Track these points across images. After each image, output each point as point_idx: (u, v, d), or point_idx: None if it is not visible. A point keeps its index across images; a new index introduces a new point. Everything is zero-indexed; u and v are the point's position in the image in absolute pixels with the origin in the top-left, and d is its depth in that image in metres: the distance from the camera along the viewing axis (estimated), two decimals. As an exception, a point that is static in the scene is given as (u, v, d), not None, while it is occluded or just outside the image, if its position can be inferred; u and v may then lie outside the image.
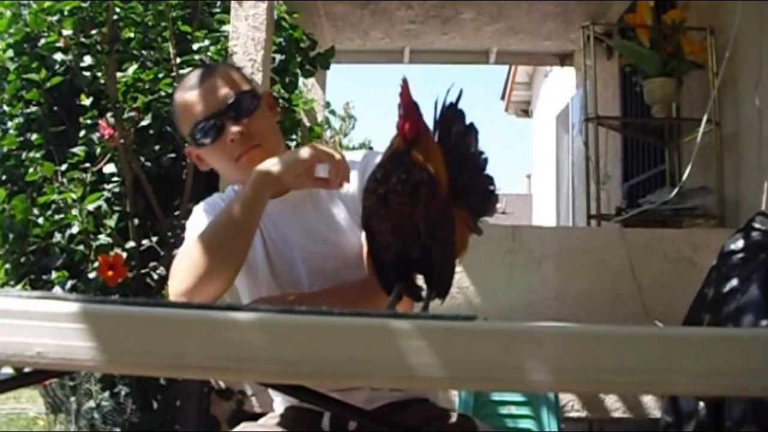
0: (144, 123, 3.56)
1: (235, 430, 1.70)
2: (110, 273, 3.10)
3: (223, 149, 1.70)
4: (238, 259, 1.57)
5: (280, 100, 4.42)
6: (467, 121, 1.38)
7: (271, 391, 1.83)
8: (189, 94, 1.73)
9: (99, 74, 3.66)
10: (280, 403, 1.82)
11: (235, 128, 1.68)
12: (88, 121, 3.61)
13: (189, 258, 1.57)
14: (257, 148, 1.69)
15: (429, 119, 1.32)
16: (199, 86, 1.73)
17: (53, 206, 3.39)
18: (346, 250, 1.71)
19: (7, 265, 3.46)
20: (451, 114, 1.34)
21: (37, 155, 3.60)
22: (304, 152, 1.56)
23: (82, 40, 3.63)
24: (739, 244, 2.94)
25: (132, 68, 3.66)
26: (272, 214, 1.70)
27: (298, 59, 4.33)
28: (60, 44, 3.64)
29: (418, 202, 1.26)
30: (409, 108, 1.27)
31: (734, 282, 2.78)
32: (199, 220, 1.76)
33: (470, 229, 1.41)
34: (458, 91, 1.32)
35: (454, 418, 1.67)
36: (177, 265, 1.61)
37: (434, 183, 1.26)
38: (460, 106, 1.36)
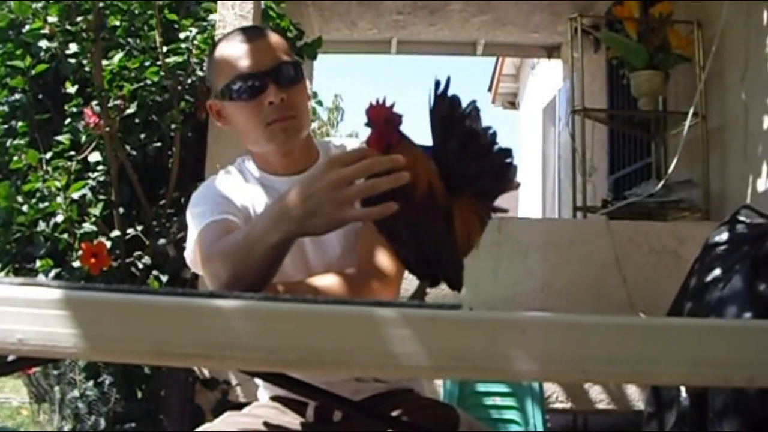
0: (130, 111, 3.54)
1: (219, 418, 1.69)
2: (93, 260, 3.09)
3: (258, 110, 1.67)
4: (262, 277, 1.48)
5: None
6: (468, 102, 1.36)
7: (257, 380, 1.82)
8: (237, 47, 1.70)
9: (84, 62, 3.63)
10: (264, 392, 1.82)
11: (277, 92, 1.65)
12: (74, 109, 3.59)
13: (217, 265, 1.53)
14: (292, 119, 1.68)
15: (423, 109, 1.33)
16: (250, 42, 1.70)
17: (38, 194, 3.37)
18: (345, 232, 1.70)
19: (-9, 254, 3.44)
20: (444, 102, 1.33)
21: (22, 143, 3.57)
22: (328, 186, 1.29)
23: (68, 27, 3.60)
24: (724, 236, 2.95)
25: (118, 56, 3.64)
26: (278, 190, 1.68)
27: (285, 48, 4.31)
28: (45, 31, 3.61)
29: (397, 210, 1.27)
30: (376, 122, 1.28)
31: (718, 274, 2.79)
32: (201, 207, 1.72)
33: (479, 215, 1.39)
34: (446, 79, 1.31)
35: (437, 408, 1.67)
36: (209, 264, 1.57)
37: (407, 186, 1.25)
38: (451, 93, 1.35)
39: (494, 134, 1.39)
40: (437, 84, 1.30)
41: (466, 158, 1.35)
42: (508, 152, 1.41)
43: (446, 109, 1.33)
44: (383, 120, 1.28)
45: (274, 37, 1.75)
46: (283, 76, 1.68)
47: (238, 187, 1.77)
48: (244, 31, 1.77)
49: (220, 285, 1.50)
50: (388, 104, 1.29)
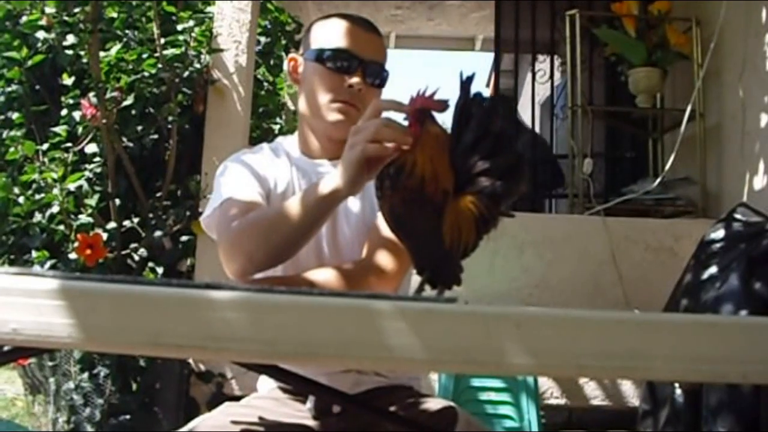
0: (127, 103, 3.53)
1: (218, 409, 1.69)
2: (89, 252, 3.09)
3: (335, 85, 1.75)
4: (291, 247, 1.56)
5: (265, 83, 4.40)
6: (492, 99, 1.35)
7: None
8: (354, 26, 1.79)
9: (82, 53, 3.62)
10: (263, 383, 1.82)
11: (360, 80, 1.73)
12: (70, 101, 3.58)
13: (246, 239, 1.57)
14: (355, 110, 1.73)
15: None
16: (365, 30, 1.80)
17: (34, 186, 3.36)
18: (360, 227, 1.73)
19: (-13, 245, 3.43)
20: (466, 100, 1.31)
21: (18, 134, 3.56)
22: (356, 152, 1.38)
23: (65, 18, 3.59)
24: (720, 234, 2.96)
25: (115, 48, 3.63)
26: (311, 173, 1.76)
27: (283, 42, 4.31)
28: (42, 22, 3.60)
29: (384, 196, 1.31)
30: (409, 112, 1.32)
31: (714, 272, 2.79)
32: (227, 177, 1.76)
33: (474, 213, 1.34)
34: (471, 74, 1.30)
35: (436, 405, 1.66)
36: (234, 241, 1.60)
37: (397, 175, 1.28)
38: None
39: (513, 136, 1.37)
40: (467, 79, 1.28)
41: (478, 154, 1.30)
42: (521, 156, 1.34)
43: (465, 105, 1.30)
44: (417, 108, 1.31)
45: (384, 43, 1.85)
46: (373, 72, 1.77)
47: (268, 164, 1.82)
48: (367, 20, 1.84)
49: (242, 254, 1.55)
50: (429, 93, 1.31)
